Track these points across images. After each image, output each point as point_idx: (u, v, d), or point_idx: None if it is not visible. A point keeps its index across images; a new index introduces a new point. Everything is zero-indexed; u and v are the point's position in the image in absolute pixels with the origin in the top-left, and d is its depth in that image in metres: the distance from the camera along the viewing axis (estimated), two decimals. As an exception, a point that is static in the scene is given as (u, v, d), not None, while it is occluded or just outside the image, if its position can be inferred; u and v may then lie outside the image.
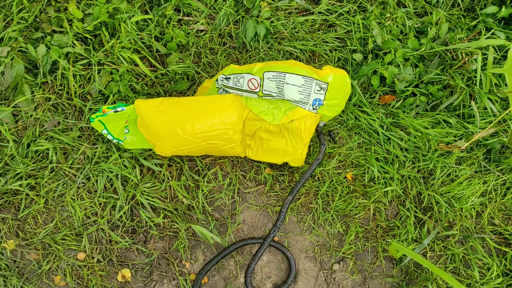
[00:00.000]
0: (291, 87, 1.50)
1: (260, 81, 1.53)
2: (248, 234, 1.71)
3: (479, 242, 1.67)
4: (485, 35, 1.81)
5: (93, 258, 1.64)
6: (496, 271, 1.62)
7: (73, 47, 1.70)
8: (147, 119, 1.49)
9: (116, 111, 1.54)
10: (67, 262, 1.62)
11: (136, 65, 1.75)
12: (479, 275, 1.63)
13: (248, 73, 1.55)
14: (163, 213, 1.68)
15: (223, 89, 1.63)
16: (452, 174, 1.72)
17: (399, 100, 1.80)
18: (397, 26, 1.87)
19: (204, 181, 1.72)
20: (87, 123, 1.70)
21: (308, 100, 1.52)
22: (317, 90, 1.51)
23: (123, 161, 1.67)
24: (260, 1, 1.87)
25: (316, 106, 1.54)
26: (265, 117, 1.55)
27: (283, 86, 1.50)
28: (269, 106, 1.57)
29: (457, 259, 1.65)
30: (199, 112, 1.50)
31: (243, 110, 1.56)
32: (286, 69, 1.52)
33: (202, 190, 1.71)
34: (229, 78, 1.58)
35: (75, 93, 1.70)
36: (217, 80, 1.63)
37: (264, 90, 1.53)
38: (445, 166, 1.72)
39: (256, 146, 1.62)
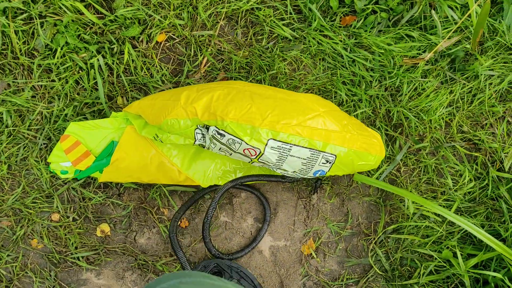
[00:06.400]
0: (295, 159, 1.32)
1: (259, 153, 1.29)
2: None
3: (450, 151, 1.69)
4: None
5: (68, 217, 1.60)
6: (468, 176, 1.65)
7: (9, 1, 1.57)
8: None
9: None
10: (42, 224, 1.59)
11: (82, 13, 1.64)
12: (452, 182, 1.67)
13: (247, 143, 1.27)
14: (133, 164, 1.64)
15: (204, 143, 1.38)
16: (419, 88, 1.71)
17: (360, 20, 1.75)
18: None
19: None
20: (37, 82, 1.61)
21: (310, 170, 1.36)
22: (323, 163, 1.34)
23: (82, 118, 1.61)
24: None
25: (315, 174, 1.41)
26: None
27: (285, 158, 1.31)
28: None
29: (430, 169, 1.68)
30: None
31: None
32: (296, 136, 1.29)
33: (171, 136, 1.67)
34: (224, 135, 1.29)
35: (20, 51, 1.60)
36: (198, 127, 1.34)
37: (261, 159, 1.32)
38: (411, 81, 1.71)
39: None
